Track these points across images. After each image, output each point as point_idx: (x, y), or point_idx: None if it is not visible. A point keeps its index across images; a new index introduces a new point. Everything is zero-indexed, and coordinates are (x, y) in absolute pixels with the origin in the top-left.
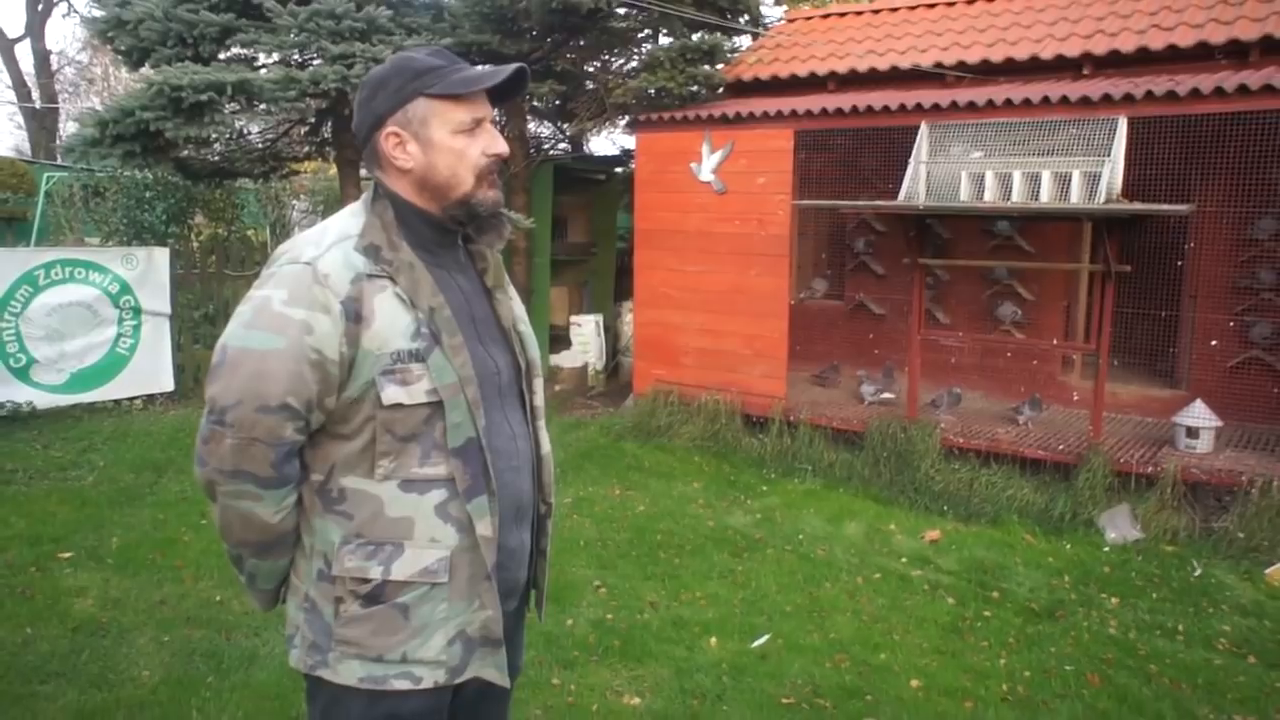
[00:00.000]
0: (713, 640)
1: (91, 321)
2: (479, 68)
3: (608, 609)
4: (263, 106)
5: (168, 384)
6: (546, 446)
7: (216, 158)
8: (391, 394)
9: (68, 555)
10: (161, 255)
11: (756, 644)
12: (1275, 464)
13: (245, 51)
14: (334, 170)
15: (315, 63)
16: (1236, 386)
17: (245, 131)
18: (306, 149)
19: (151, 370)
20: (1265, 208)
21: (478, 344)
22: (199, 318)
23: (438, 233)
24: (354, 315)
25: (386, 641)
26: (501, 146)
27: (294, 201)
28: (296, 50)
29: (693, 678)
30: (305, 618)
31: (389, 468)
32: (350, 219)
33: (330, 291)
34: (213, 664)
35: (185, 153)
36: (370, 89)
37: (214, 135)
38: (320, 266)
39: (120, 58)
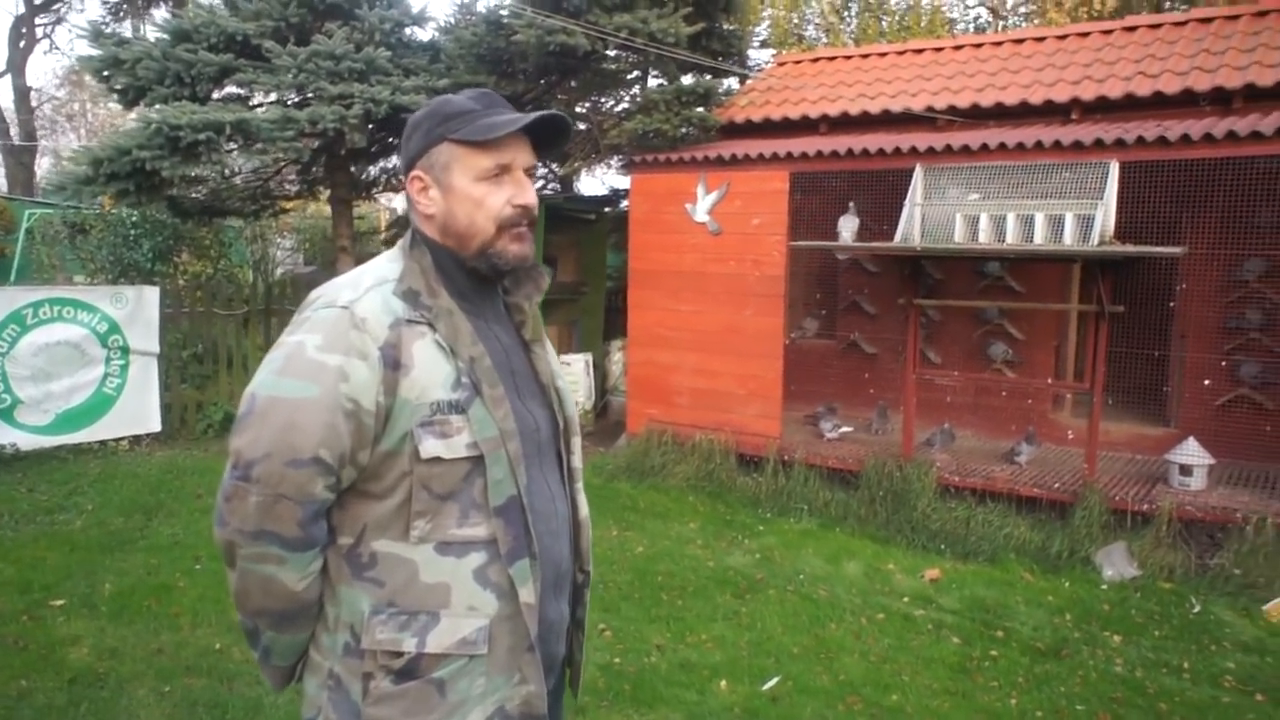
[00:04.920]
0: (723, 683)
1: (79, 361)
2: (510, 115)
3: (615, 653)
4: (259, 146)
5: (155, 424)
6: (585, 510)
7: (206, 195)
8: (430, 447)
9: (60, 603)
10: (151, 294)
11: (767, 687)
12: (1268, 501)
13: (240, 90)
14: (315, 208)
15: (313, 102)
16: (1227, 424)
17: (237, 169)
18: (298, 187)
19: (139, 411)
20: (1253, 249)
21: (517, 398)
22: (187, 357)
23: (474, 281)
24: (392, 362)
25: None
26: (527, 198)
27: (278, 239)
28: (293, 90)
29: None
30: (329, 697)
31: (425, 529)
32: (388, 264)
33: (368, 336)
34: (216, 714)
35: (174, 190)
36: (407, 132)
37: (210, 174)
38: (358, 310)
39: (115, 96)
